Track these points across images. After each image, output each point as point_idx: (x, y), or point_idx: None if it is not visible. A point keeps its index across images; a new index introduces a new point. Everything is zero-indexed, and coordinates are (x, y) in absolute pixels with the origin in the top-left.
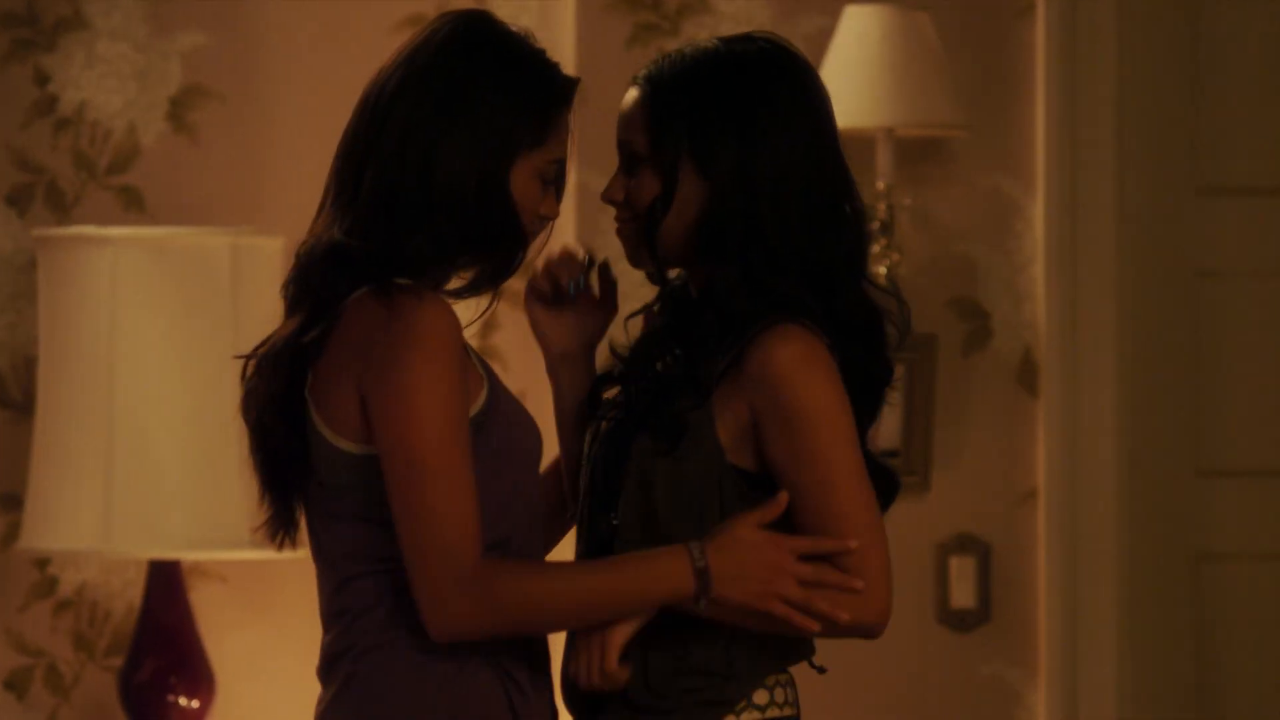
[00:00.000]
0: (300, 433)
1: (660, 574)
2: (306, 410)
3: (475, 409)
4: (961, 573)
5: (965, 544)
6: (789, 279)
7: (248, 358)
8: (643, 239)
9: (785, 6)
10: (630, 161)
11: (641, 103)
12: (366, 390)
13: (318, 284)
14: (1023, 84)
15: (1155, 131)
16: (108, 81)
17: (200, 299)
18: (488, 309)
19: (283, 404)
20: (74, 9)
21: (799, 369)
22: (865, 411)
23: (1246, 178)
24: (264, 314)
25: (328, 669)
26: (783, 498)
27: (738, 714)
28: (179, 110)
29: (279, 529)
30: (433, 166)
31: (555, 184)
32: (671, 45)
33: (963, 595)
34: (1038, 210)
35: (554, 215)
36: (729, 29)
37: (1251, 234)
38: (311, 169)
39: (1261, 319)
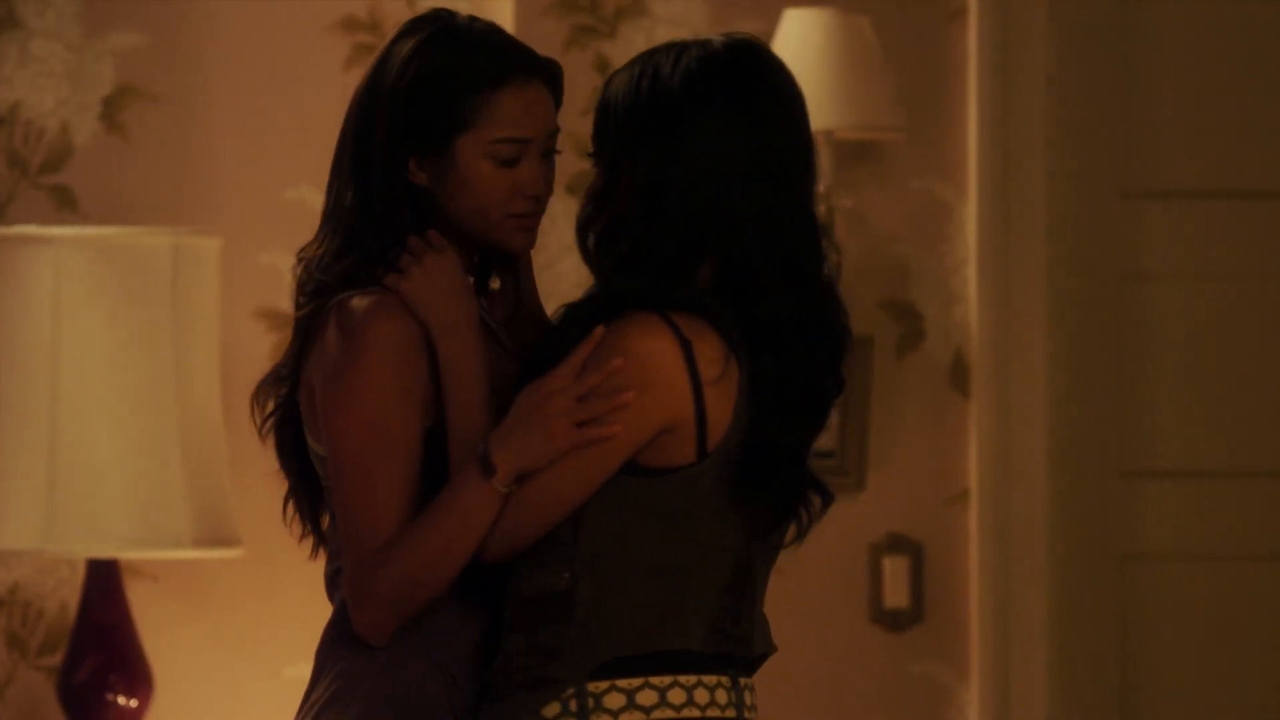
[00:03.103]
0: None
1: (460, 485)
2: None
3: (435, 418)
4: (895, 572)
5: (898, 544)
6: (648, 278)
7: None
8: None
9: (723, 9)
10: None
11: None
12: (319, 400)
13: (296, 304)
14: (955, 88)
15: (1084, 136)
16: (41, 81)
17: (141, 299)
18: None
19: (284, 414)
20: (7, 9)
21: (603, 347)
22: (785, 426)
23: (1173, 181)
24: (204, 314)
25: (317, 659)
26: (582, 348)
27: (566, 700)
28: (112, 110)
29: (304, 534)
30: (363, 170)
31: (513, 163)
32: (609, 48)
33: (896, 595)
34: (970, 213)
35: (530, 193)
36: (665, 32)
37: (1177, 237)
38: (243, 169)
39: (1187, 321)
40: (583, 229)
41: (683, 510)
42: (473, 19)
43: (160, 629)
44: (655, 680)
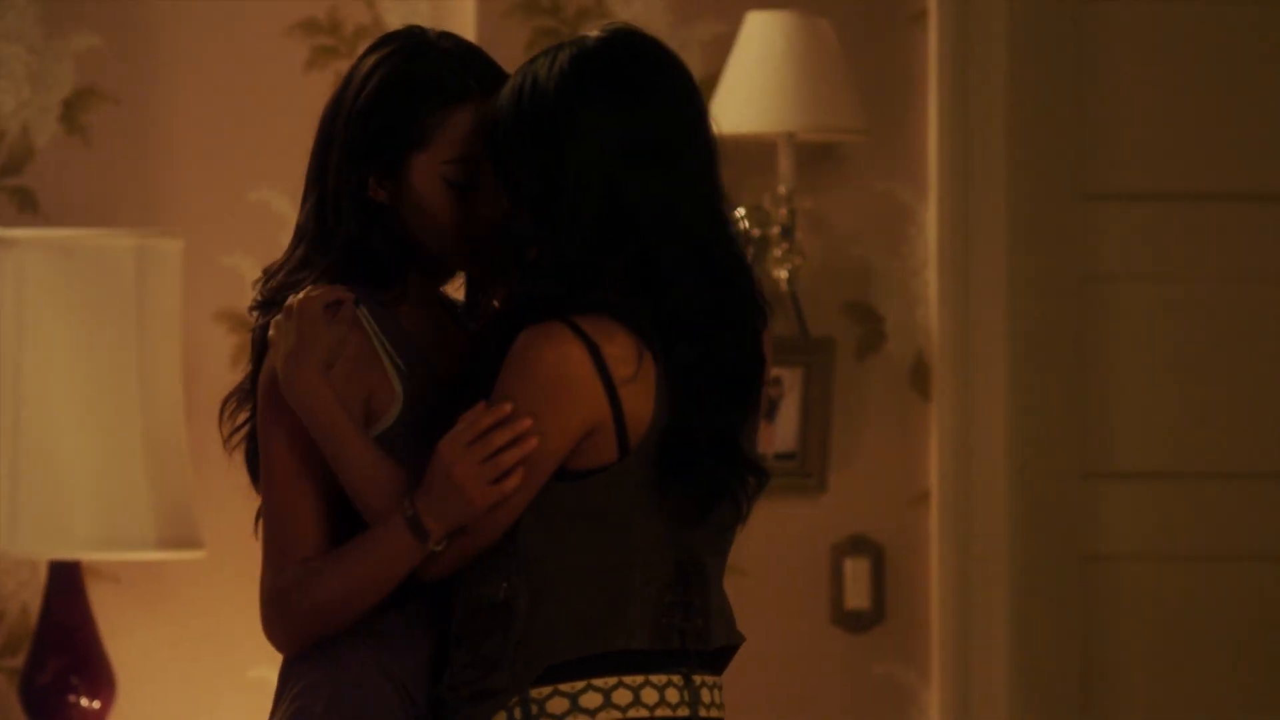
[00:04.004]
0: None
1: (391, 540)
2: None
3: (381, 426)
4: (856, 574)
5: (859, 545)
6: (558, 283)
7: None
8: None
9: (684, 11)
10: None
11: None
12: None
13: (252, 315)
14: (916, 91)
15: (1043, 138)
16: (1, 83)
17: (104, 300)
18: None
19: (251, 429)
20: None
21: (512, 362)
22: (707, 413)
23: (1131, 184)
24: (166, 316)
25: (279, 680)
26: (479, 406)
27: (511, 709)
28: (72, 112)
29: None
30: (321, 183)
31: (466, 186)
32: None
33: (857, 596)
34: (930, 215)
35: (480, 216)
36: None
37: (1135, 239)
38: (204, 171)
39: (1146, 323)
40: (500, 245)
41: (613, 510)
42: (443, 35)
43: (122, 630)
44: (598, 682)
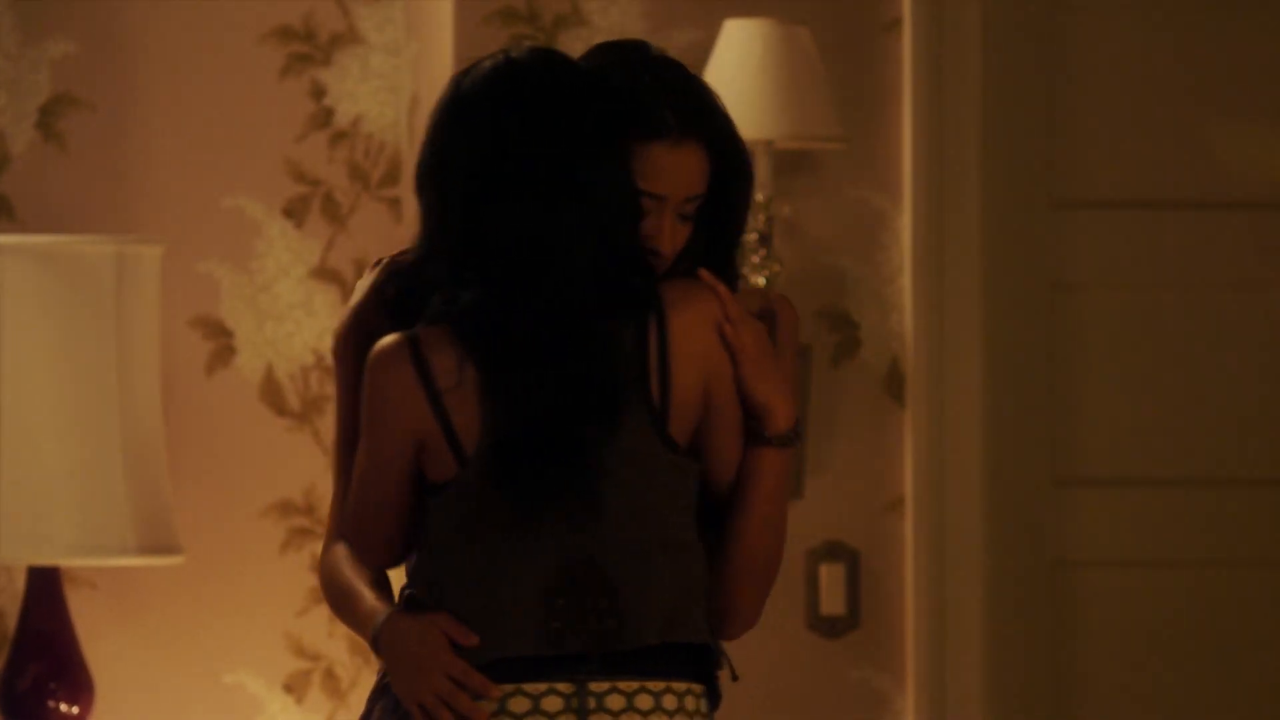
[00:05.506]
0: None
1: (364, 619)
2: None
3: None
4: (831, 579)
5: (835, 551)
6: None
7: None
8: None
9: (661, 19)
10: None
11: None
12: None
13: None
14: (890, 99)
15: (1017, 146)
16: None
17: (84, 307)
18: None
19: None
20: None
21: None
22: (528, 422)
23: (1105, 192)
24: (145, 322)
25: None
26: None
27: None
28: (48, 119)
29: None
30: None
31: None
32: None
33: (832, 602)
34: (905, 222)
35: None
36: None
37: (1108, 246)
38: (179, 178)
39: (1119, 330)
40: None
41: (468, 520)
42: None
43: (100, 636)
44: None
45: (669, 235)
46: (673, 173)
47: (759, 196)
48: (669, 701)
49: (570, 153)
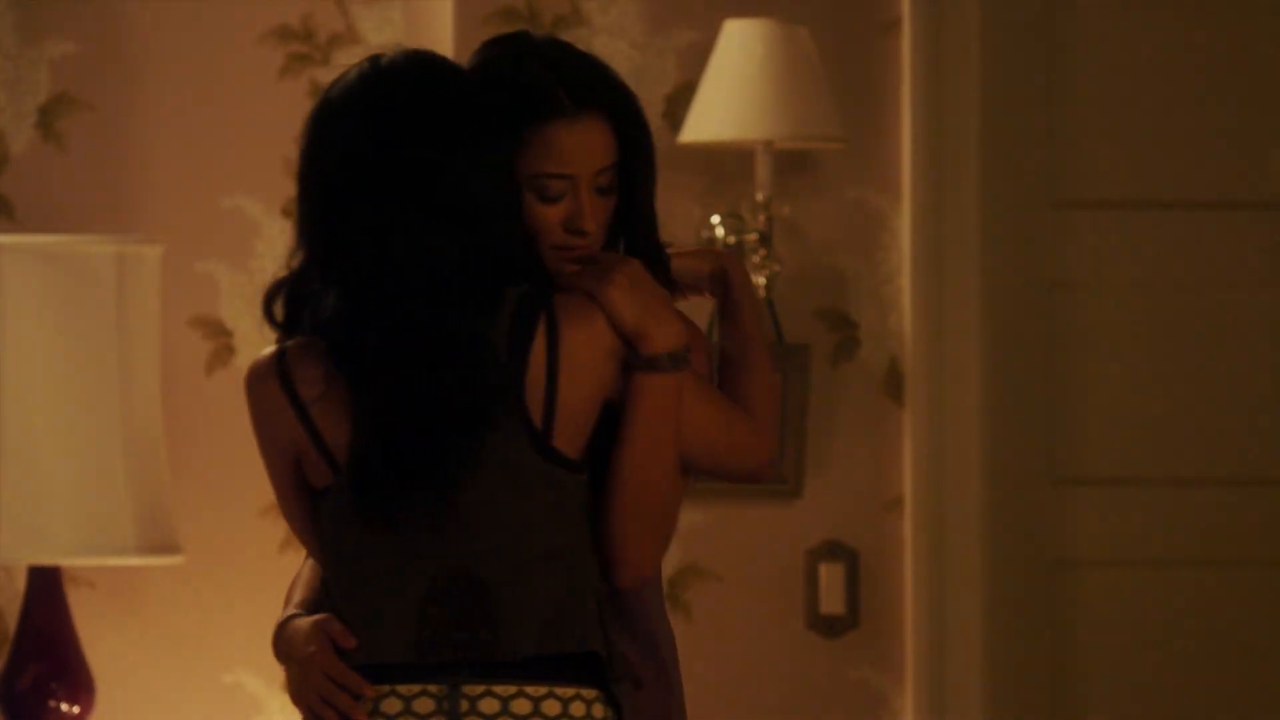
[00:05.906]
0: None
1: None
2: None
3: None
4: (830, 579)
5: (834, 551)
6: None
7: None
8: None
9: (661, 19)
10: None
11: None
12: None
13: None
14: (890, 99)
15: (1016, 146)
16: None
17: (85, 307)
18: None
19: None
20: None
21: None
22: (390, 434)
23: (1103, 192)
24: (146, 322)
25: None
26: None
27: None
28: (48, 119)
29: None
30: None
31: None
32: None
33: (831, 601)
34: (904, 222)
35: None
36: (603, 41)
37: (1107, 246)
38: (178, 178)
39: (1117, 329)
40: None
41: (342, 528)
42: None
43: (101, 636)
44: None
45: (590, 212)
46: (576, 149)
47: (759, 196)
48: (550, 707)
49: (436, 156)
